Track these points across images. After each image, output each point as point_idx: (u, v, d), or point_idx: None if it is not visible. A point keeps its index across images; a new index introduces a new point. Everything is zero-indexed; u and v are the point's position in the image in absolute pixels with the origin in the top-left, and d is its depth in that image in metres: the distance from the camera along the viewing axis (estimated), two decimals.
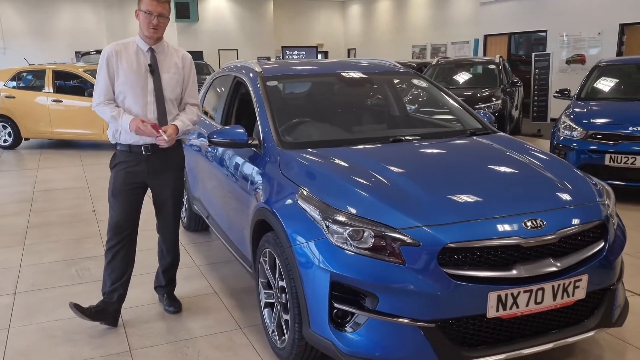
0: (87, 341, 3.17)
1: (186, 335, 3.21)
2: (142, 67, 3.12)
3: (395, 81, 4.29)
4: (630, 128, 5.75)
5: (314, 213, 2.57)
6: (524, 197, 2.63)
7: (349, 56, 27.16)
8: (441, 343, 2.33)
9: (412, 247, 2.34)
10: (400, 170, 2.83)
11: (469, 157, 3.12)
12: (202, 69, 20.33)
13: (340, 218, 2.47)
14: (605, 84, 7.08)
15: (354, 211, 2.49)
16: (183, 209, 5.22)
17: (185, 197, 5.06)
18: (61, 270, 4.30)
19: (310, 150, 3.11)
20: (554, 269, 2.41)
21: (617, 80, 7.13)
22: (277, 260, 2.77)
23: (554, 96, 7.23)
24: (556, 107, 11.32)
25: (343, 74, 3.97)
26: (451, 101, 3.94)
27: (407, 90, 4.42)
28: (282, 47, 17.78)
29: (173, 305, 3.53)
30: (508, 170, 2.93)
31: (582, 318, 2.59)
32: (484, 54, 15.36)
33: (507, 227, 2.41)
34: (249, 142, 3.29)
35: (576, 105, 6.63)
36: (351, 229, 2.42)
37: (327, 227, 2.48)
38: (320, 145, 3.19)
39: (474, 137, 3.42)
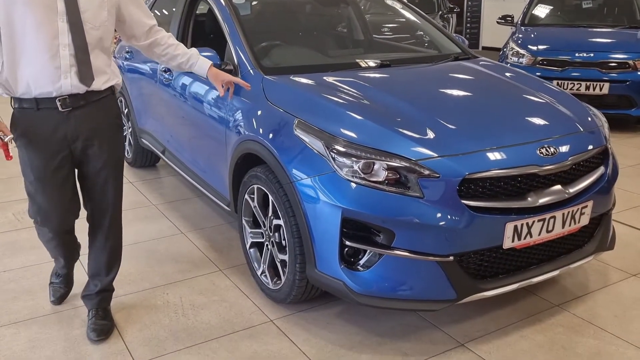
0: (47, 293, 2.82)
1: (162, 281, 2.94)
2: None
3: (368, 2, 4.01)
4: (576, 54, 5.86)
5: (316, 144, 2.34)
6: (532, 124, 2.54)
7: None
8: (458, 277, 2.25)
9: (430, 180, 2.19)
10: (403, 97, 2.64)
11: (466, 83, 2.98)
12: None
13: (348, 149, 2.26)
14: (546, 10, 7.13)
15: (362, 141, 2.28)
16: (127, 144, 4.78)
17: (130, 130, 4.61)
18: None
19: (296, 75, 2.82)
20: (565, 196, 2.37)
21: (558, 7, 7.21)
22: (271, 198, 2.54)
23: (498, 22, 7.21)
24: (487, 35, 11.48)
25: None
26: (428, 24, 3.73)
27: (380, 12, 4.15)
28: None
29: (100, 325, 2.44)
30: (510, 96, 2.82)
31: (582, 243, 2.61)
32: None
33: (522, 156, 2.32)
34: (222, 67, 2.93)
35: (521, 31, 6.65)
36: (362, 161, 2.23)
37: (334, 159, 2.27)
38: (305, 71, 2.91)
39: (461, 62, 3.27)
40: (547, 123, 2.56)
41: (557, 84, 5.81)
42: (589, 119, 2.70)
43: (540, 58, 6.00)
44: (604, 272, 2.99)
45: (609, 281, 2.90)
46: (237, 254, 3.14)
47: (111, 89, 2.32)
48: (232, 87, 2.75)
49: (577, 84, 5.78)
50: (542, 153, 2.33)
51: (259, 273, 2.78)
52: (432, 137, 2.32)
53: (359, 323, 2.55)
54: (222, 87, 2.68)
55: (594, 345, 2.39)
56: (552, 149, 2.36)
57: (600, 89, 5.73)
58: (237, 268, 3.05)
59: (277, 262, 2.62)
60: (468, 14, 11.15)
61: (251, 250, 2.84)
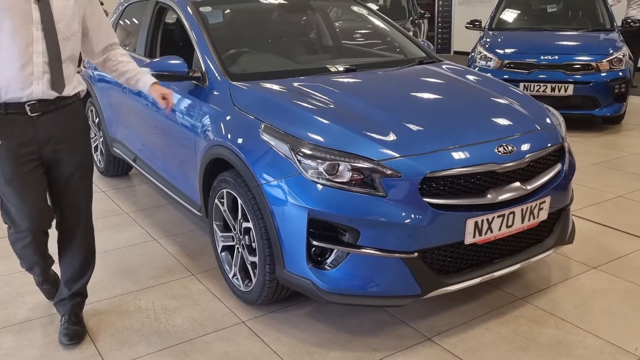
0: (20, 302, 2.83)
1: (134, 287, 2.96)
2: None
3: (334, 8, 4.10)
4: (541, 57, 6.03)
5: (282, 148, 2.40)
6: (491, 124, 2.64)
7: None
8: (423, 272, 2.32)
9: (393, 179, 2.26)
10: (365, 100, 2.72)
11: (429, 86, 3.08)
12: None
13: (313, 151, 2.32)
14: (513, 15, 7.32)
15: (327, 144, 2.35)
16: (98, 153, 4.78)
17: (101, 140, 4.62)
18: None
19: (263, 81, 2.89)
20: (523, 192, 2.46)
21: (524, 11, 7.40)
22: (240, 201, 2.59)
23: (467, 27, 7.37)
24: (459, 40, 11.69)
25: None
26: (394, 30, 3.83)
27: (340, 17, 4.25)
28: None
29: (72, 330, 2.47)
30: (470, 97, 2.92)
31: (542, 238, 2.70)
32: None
33: (481, 154, 2.40)
34: (190, 74, 2.98)
35: (489, 35, 6.80)
36: (326, 162, 2.29)
37: (299, 161, 2.33)
38: (271, 77, 2.97)
39: (425, 66, 3.36)
40: (505, 123, 2.66)
41: (524, 86, 5.97)
42: (546, 118, 2.80)
43: (507, 61, 6.15)
44: (566, 265, 3.09)
45: (571, 274, 3.00)
46: (210, 259, 3.17)
47: (77, 95, 2.37)
48: (171, 98, 2.55)
49: (543, 85, 5.93)
50: (500, 151, 2.42)
51: (230, 276, 2.82)
52: (395, 138, 2.39)
53: (329, 321, 2.61)
54: (163, 100, 2.53)
55: (555, 335, 2.48)
56: (510, 147, 2.45)
57: (565, 91, 5.90)
58: (210, 272, 3.09)
59: (247, 265, 2.67)
60: (439, 19, 11.35)
61: (222, 253, 2.88)
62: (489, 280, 2.70)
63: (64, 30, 2.20)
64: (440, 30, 11.37)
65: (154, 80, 2.52)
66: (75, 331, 2.49)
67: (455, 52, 11.73)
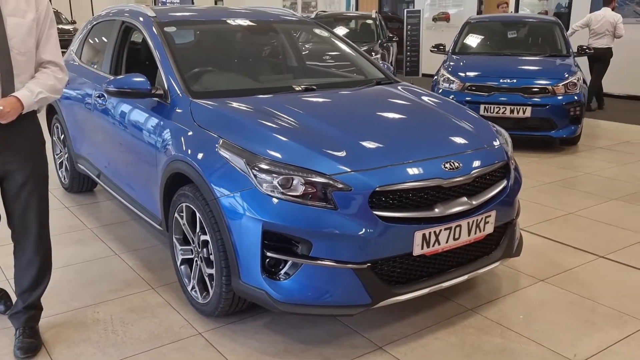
0: None
1: (93, 300, 2.98)
2: None
3: (298, 31, 4.23)
4: (501, 80, 6.27)
5: (238, 162, 2.48)
6: (439, 141, 2.77)
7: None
8: (373, 282, 2.41)
9: (343, 192, 2.36)
10: (321, 118, 2.83)
11: (383, 105, 3.20)
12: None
13: (268, 166, 2.42)
14: (475, 40, 7.60)
15: (282, 158, 2.45)
16: (63, 169, 4.79)
17: (66, 156, 4.64)
18: None
19: (224, 99, 2.98)
20: (469, 207, 2.58)
21: (486, 36, 7.69)
22: (198, 214, 2.65)
23: (431, 51, 7.61)
24: (427, 63, 11.98)
25: (244, 21, 3.82)
26: (354, 52, 3.97)
27: (310, 40, 4.38)
28: None
29: (27, 343, 2.49)
30: (421, 116, 3.06)
31: (489, 251, 2.82)
32: (357, 9, 15.65)
33: (428, 170, 2.52)
34: (153, 91, 3.06)
35: (452, 59, 7.04)
36: (281, 177, 2.38)
37: (255, 176, 2.42)
38: (232, 95, 3.07)
39: (382, 87, 3.50)
40: (453, 140, 2.80)
41: (484, 108, 6.18)
42: (493, 136, 2.95)
43: (468, 84, 6.37)
44: (516, 278, 3.22)
45: (519, 286, 3.13)
46: (170, 273, 3.21)
47: (33, 111, 2.37)
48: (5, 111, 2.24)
49: (503, 107, 6.16)
50: (446, 167, 2.54)
51: (189, 289, 2.87)
52: (347, 154, 2.50)
53: (284, 332, 2.67)
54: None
55: (500, 343, 2.59)
56: (456, 164, 2.58)
57: (524, 113, 6.13)
58: (170, 286, 3.13)
59: (205, 277, 2.72)
60: (408, 43, 11.62)
61: (182, 267, 2.93)
62: (440, 292, 2.82)
63: (18, 46, 2.26)
64: (408, 53, 11.63)
65: (15, 94, 2.26)
66: (30, 344, 2.50)
67: (424, 75, 11.99)
